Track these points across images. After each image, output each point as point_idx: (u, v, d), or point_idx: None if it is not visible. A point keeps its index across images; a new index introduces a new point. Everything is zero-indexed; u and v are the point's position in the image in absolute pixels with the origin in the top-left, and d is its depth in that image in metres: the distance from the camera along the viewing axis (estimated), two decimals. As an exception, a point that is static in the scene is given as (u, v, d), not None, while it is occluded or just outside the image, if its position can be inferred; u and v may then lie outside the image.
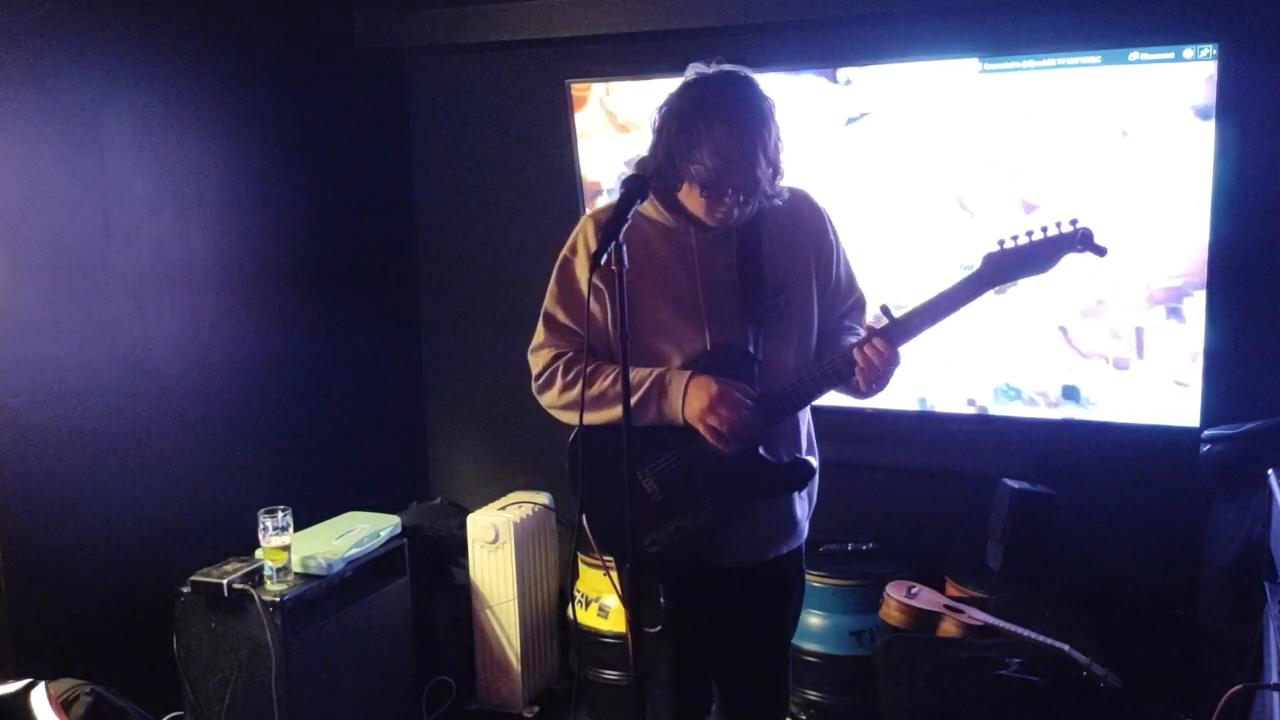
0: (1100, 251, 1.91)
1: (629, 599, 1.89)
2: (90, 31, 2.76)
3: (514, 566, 3.40)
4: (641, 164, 2.00)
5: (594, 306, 2.04)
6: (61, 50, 2.69)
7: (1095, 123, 2.83)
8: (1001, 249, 1.92)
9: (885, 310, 1.98)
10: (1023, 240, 1.91)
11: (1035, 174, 2.91)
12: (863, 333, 2.16)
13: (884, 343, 1.93)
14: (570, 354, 2.07)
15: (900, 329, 1.95)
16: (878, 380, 1.96)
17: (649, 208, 2.02)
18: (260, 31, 3.29)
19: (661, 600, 2.07)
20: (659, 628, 2.06)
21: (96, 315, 2.80)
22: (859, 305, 2.22)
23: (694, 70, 1.96)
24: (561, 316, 2.10)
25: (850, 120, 3.06)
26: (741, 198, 1.92)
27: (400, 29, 3.62)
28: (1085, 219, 1.91)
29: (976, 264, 1.96)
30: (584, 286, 2.01)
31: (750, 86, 1.93)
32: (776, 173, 1.93)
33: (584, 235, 2.08)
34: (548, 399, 2.12)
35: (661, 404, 1.98)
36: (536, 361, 2.13)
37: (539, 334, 2.14)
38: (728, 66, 1.96)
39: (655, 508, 2.05)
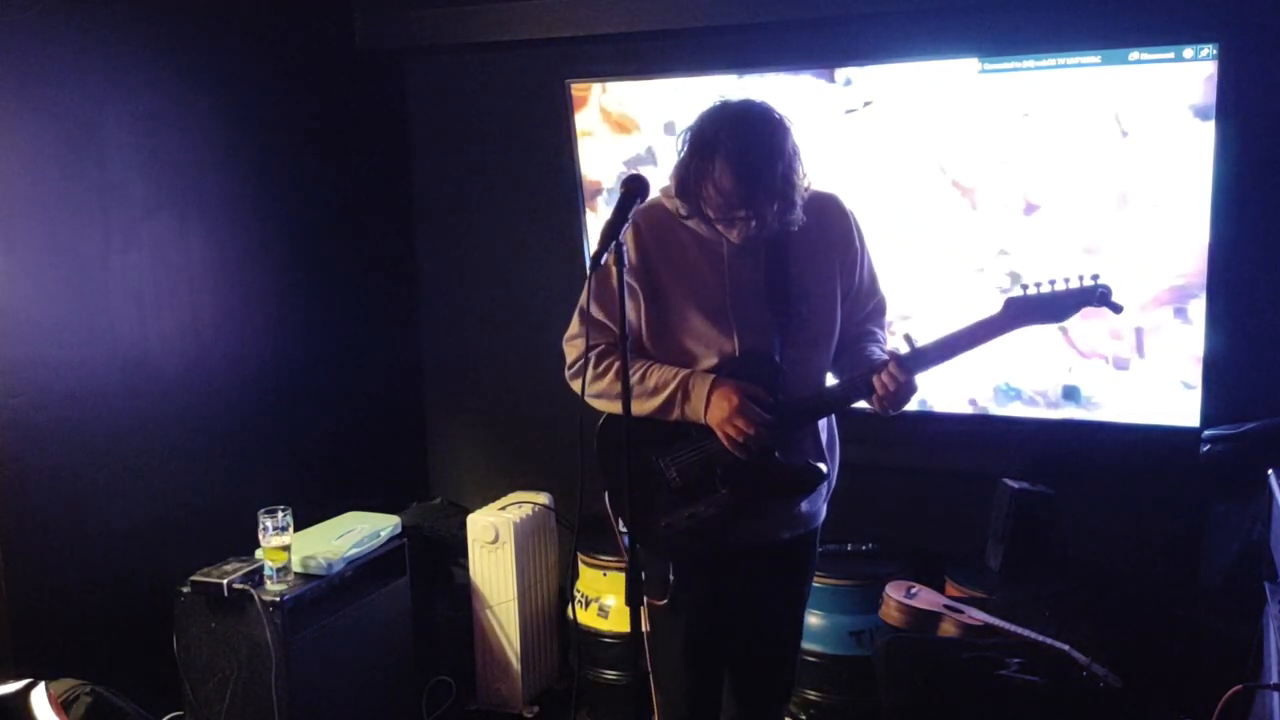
0: (1116, 309, 2.03)
1: (633, 589, 1.95)
2: (90, 31, 2.76)
3: (514, 566, 3.40)
4: (674, 174, 2.07)
5: (627, 304, 2.11)
6: (61, 50, 2.69)
7: (1095, 123, 2.82)
8: (1024, 294, 2.01)
9: (908, 339, 2.06)
10: (1045, 289, 2.00)
11: (1035, 174, 2.91)
12: (882, 338, 2.26)
13: (902, 371, 2.01)
14: (602, 346, 2.16)
15: (919, 359, 2.03)
16: (894, 405, 2.04)
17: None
18: (260, 32, 3.29)
19: (671, 577, 2.18)
20: (665, 600, 2.17)
21: (96, 315, 2.80)
22: (879, 309, 2.28)
23: (719, 96, 2.04)
24: (594, 311, 2.17)
25: (849, 110, 3.06)
26: (754, 224, 1.98)
27: (400, 29, 3.62)
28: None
29: (999, 305, 2.04)
30: (614, 283, 2.05)
31: (759, 122, 1.98)
32: (787, 203, 1.98)
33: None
34: (578, 386, 2.21)
35: (684, 407, 2.09)
36: (570, 350, 2.23)
37: (573, 325, 2.23)
38: (752, 97, 2.03)
39: (673, 494, 2.15)
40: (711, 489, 2.13)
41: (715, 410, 2.05)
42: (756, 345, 2.11)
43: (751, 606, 2.28)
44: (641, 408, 2.09)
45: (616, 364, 2.12)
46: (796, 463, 2.14)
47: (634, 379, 2.11)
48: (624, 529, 2.14)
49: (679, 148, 2.03)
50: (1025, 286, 2.02)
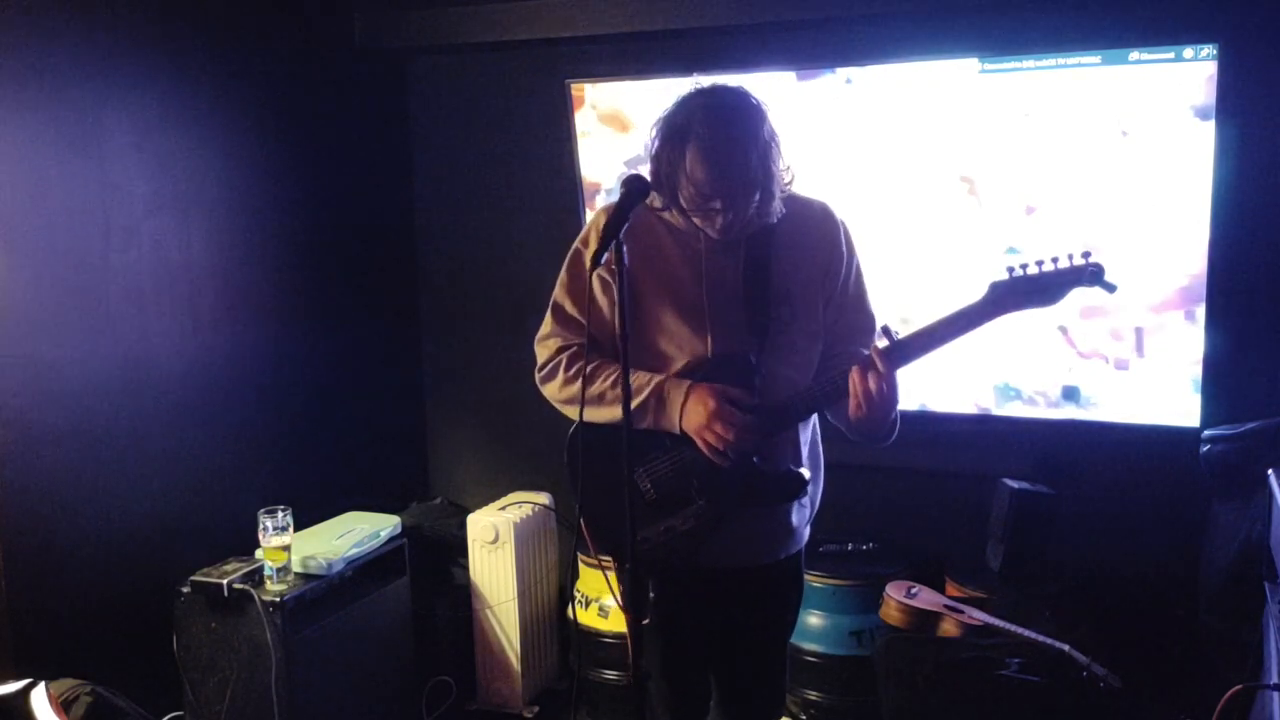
0: (1110, 288, 1.87)
1: (626, 599, 1.88)
2: (90, 31, 2.76)
3: (514, 566, 3.40)
4: (649, 165, 2.00)
5: (602, 300, 2.05)
6: (61, 50, 2.69)
7: (1095, 123, 2.83)
8: (1010, 278, 1.88)
9: (886, 331, 1.94)
10: (1032, 270, 1.87)
11: (1035, 174, 2.91)
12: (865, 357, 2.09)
13: (883, 364, 1.87)
14: (575, 348, 2.07)
15: (901, 351, 1.90)
16: (870, 404, 1.89)
17: (664, 212, 2.02)
18: (260, 31, 3.29)
19: (651, 595, 2.06)
20: (647, 620, 2.05)
21: (96, 315, 2.80)
22: (867, 328, 2.11)
23: (692, 84, 1.95)
24: (569, 308, 2.10)
25: (849, 118, 3.06)
26: (730, 215, 1.90)
27: (400, 29, 3.62)
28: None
29: (983, 290, 1.91)
30: (597, 284, 2.01)
31: (731, 107, 1.89)
32: (765, 193, 1.90)
33: (595, 227, 2.06)
34: (549, 390, 2.13)
35: (659, 414, 1.98)
36: (542, 351, 2.14)
37: (546, 323, 2.13)
38: (720, 82, 1.95)
39: (649, 507, 2.05)
40: (688, 500, 2.01)
41: (692, 416, 1.94)
42: (731, 347, 2.00)
43: (735, 630, 2.20)
44: (614, 412, 1.90)
45: (590, 368, 2.03)
46: (778, 469, 2.04)
47: (605, 384, 2.01)
48: (599, 544, 2.05)
49: (652, 136, 1.94)
50: (1011, 269, 1.87)
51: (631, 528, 1.85)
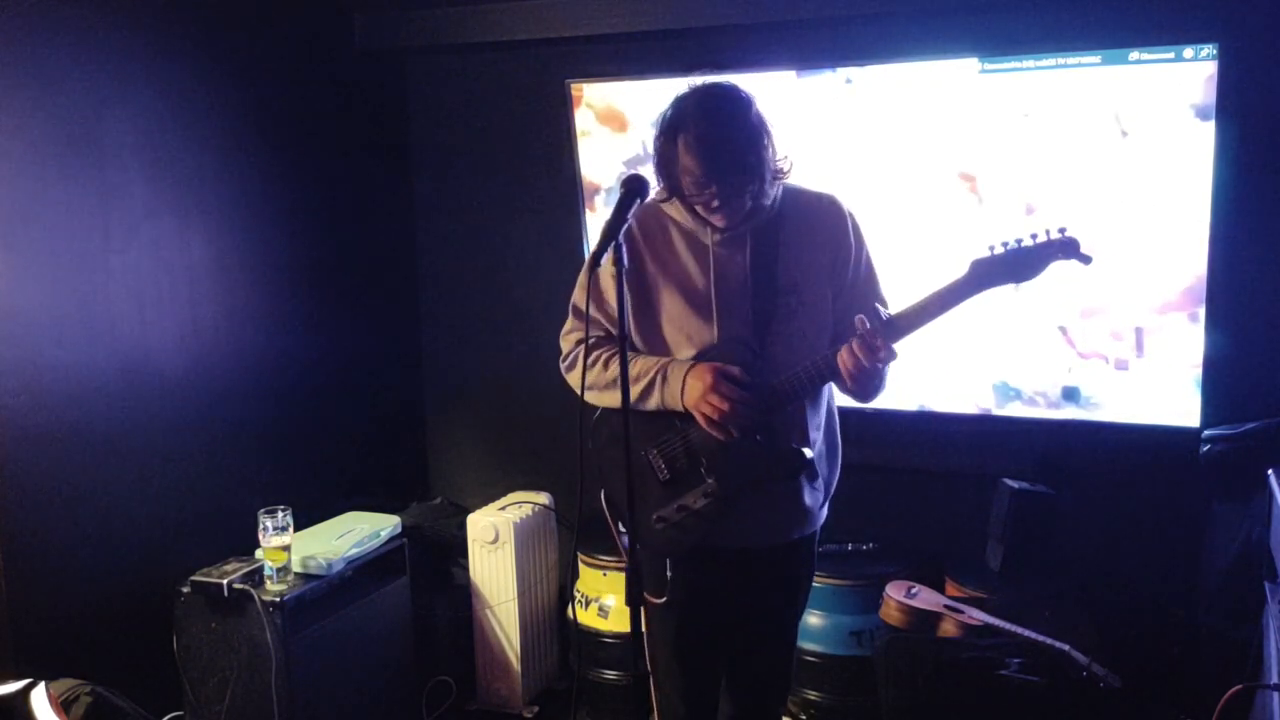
0: (1085, 260, 1.96)
1: (632, 592, 1.92)
2: (90, 31, 2.76)
3: (514, 566, 3.40)
4: (653, 160, 2.08)
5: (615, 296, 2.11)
6: (61, 50, 2.69)
7: (1095, 123, 2.82)
8: (990, 255, 1.97)
9: (876, 310, 2.01)
10: (1012, 246, 1.96)
11: (1035, 174, 2.91)
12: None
13: (872, 339, 1.96)
14: (593, 340, 2.18)
15: (889, 329, 1.98)
16: (860, 377, 2.00)
17: (671, 208, 2.12)
18: (260, 32, 3.29)
19: (668, 573, 2.16)
20: (664, 599, 2.16)
21: (96, 316, 2.80)
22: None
23: (687, 83, 2.04)
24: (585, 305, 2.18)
25: (849, 118, 3.06)
26: (725, 201, 1.99)
27: (400, 29, 3.63)
28: (1076, 226, 1.96)
29: (965, 268, 1.99)
30: (606, 281, 2.08)
31: (719, 99, 1.99)
32: (759, 178, 1.98)
33: None
34: (572, 379, 2.26)
35: (663, 391, 2.09)
36: (565, 344, 2.28)
37: (569, 320, 2.27)
38: (712, 79, 2.03)
39: (663, 487, 2.15)
40: (698, 479, 2.12)
41: (690, 391, 2.05)
42: (737, 334, 2.10)
43: (747, 610, 2.27)
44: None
45: (605, 355, 2.16)
46: (779, 446, 2.11)
47: (617, 369, 2.08)
48: (623, 529, 2.12)
49: (655, 134, 2.05)
50: (992, 247, 1.96)
51: (632, 517, 1.93)
